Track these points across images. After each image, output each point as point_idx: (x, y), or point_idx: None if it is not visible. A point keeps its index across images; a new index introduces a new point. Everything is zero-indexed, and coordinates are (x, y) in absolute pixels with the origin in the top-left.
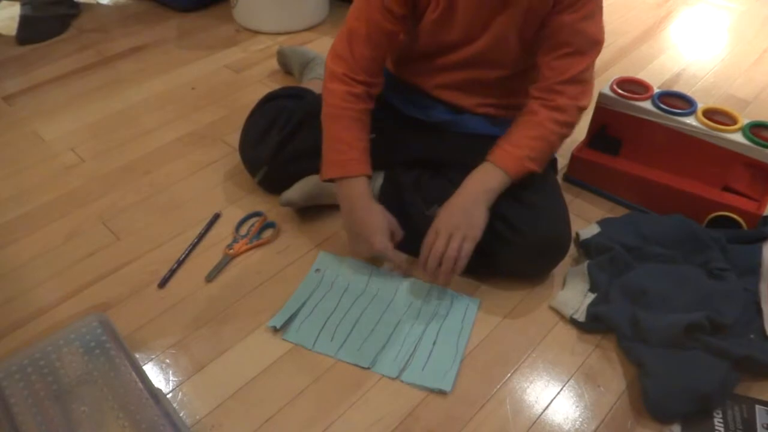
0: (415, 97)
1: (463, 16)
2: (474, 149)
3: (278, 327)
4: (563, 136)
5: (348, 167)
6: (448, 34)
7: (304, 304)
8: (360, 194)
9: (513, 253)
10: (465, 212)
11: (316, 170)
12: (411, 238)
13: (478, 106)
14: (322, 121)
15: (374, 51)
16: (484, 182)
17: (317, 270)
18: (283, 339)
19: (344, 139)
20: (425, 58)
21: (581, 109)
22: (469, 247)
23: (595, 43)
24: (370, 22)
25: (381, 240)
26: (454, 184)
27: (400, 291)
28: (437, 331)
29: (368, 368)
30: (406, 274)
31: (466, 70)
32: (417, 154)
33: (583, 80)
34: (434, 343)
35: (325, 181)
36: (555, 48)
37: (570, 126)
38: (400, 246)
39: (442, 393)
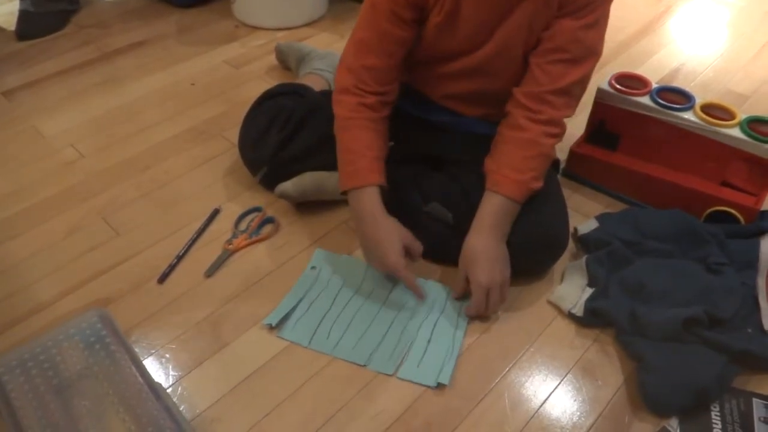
0: (419, 102)
1: (466, 22)
2: (475, 147)
3: (274, 325)
4: (556, 145)
5: (356, 177)
6: (450, 41)
7: (299, 302)
8: (369, 207)
9: (511, 250)
10: (497, 261)
11: (316, 168)
12: None
13: (482, 116)
14: (335, 134)
15: (386, 60)
16: (496, 222)
17: (313, 267)
18: (278, 337)
19: (353, 149)
20: (428, 65)
21: (566, 117)
22: (508, 284)
23: (592, 53)
24: (380, 30)
25: (394, 259)
26: (454, 180)
27: (395, 288)
28: (432, 328)
29: (364, 366)
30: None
31: (470, 80)
32: (416, 150)
33: (572, 93)
34: (429, 341)
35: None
36: (550, 51)
37: (561, 135)
38: None
39: (440, 387)
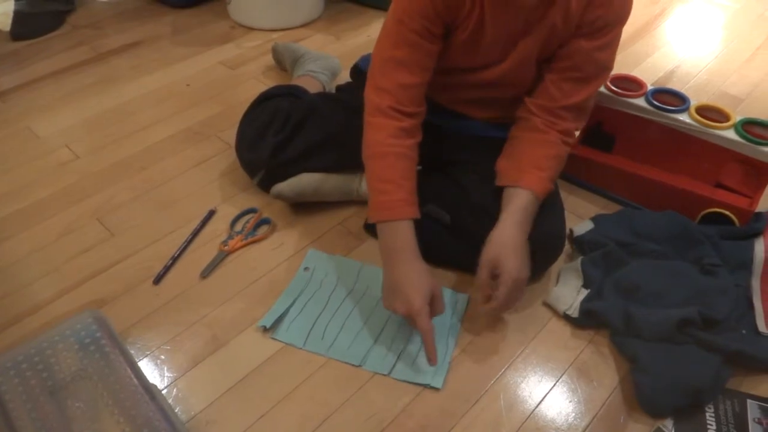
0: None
1: (489, 39)
2: (476, 149)
3: (268, 327)
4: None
5: (394, 209)
6: (472, 57)
7: (293, 303)
8: (402, 243)
9: None
10: (526, 256)
11: (314, 170)
12: None
13: (489, 119)
14: (364, 159)
15: (420, 75)
16: (525, 217)
17: (306, 269)
18: (273, 339)
19: (390, 179)
20: (443, 75)
21: (577, 130)
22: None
23: (604, 70)
24: (412, 46)
25: (419, 303)
26: (453, 181)
27: None
28: None
29: (359, 366)
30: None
31: (483, 90)
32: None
33: (584, 108)
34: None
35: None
36: (565, 70)
37: (574, 145)
38: None
39: (434, 389)
